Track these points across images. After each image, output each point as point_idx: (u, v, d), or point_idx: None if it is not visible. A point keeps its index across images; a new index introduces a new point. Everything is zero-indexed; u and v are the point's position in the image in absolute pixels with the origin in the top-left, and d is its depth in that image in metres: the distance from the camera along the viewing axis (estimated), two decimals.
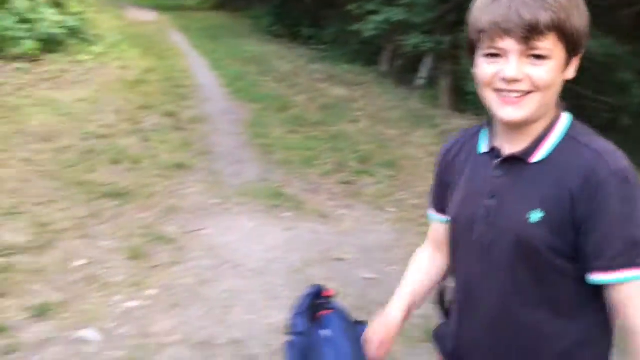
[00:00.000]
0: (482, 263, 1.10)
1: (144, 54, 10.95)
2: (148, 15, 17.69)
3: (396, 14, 7.98)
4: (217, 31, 15.66)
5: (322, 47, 12.30)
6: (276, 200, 4.53)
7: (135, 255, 3.51)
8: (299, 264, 3.59)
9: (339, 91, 8.60)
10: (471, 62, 1.09)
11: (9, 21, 8.15)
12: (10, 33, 8.03)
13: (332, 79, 9.35)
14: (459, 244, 1.18)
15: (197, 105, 7.50)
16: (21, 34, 8.17)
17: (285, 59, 11.30)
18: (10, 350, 2.62)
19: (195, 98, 7.91)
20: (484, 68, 1.03)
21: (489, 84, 1.03)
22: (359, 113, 7.39)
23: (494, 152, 1.11)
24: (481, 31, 1.01)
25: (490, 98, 1.04)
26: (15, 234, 3.57)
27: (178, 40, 14.23)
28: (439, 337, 1.32)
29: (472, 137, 1.19)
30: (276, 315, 3.02)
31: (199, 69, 10.39)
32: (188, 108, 7.25)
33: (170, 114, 6.77)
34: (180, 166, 5.08)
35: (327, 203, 4.53)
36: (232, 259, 3.59)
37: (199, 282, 3.30)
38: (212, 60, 11.28)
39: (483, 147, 1.14)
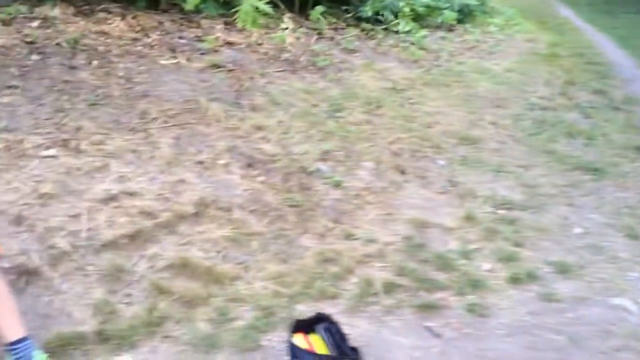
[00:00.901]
0: None
1: (540, 27, 10.73)
2: None
3: None
4: (610, 6, 14.30)
5: None
6: None
7: (633, 235, 3.41)
8: None
9: None
10: None
11: None
12: (437, 4, 8.81)
13: None
14: None
15: (623, 85, 6.93)
16: (444, 5, 8.91)
17: None
18: (548, 299, 2.81)
19: (616, 77, 7.33)
20: None
21: None
22: None
23: None
24: None
25: None
26: (508, 191, 3.85)
27: (567, 14, 13.53)
28: None
29: None
30: None
31: (604, 46, 9.65)
32: (615, 87, 6.76)
33: (599, 92, 6.43)
34: (638, 148, 4.76)
35: None
36: None
37: None
38: (615, 37, 10.34)
39: None
